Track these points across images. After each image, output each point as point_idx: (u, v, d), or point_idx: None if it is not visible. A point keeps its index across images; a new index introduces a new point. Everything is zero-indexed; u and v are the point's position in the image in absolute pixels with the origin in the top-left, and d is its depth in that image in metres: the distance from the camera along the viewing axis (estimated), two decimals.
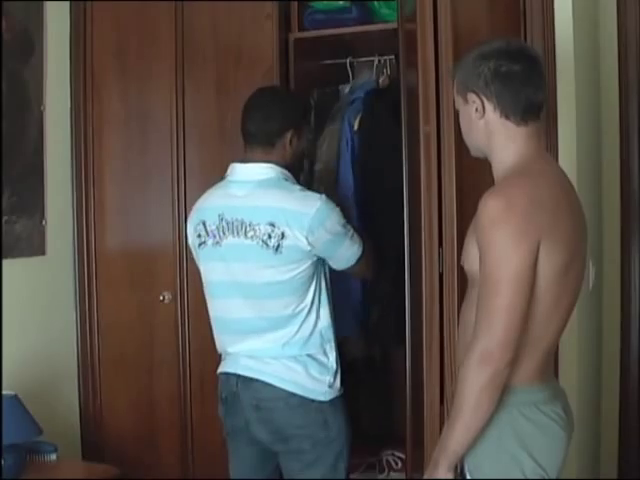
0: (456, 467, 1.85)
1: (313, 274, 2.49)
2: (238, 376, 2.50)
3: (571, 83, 2.77)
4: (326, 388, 2.47)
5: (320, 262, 2.51)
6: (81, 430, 3.34)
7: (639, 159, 3.27)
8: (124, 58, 3.26)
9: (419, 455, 2.40)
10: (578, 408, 2.60)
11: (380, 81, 3.15)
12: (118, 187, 3.31)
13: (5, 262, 2.93)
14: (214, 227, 2.52)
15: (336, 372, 2.51)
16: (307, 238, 2.41)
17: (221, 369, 2.59)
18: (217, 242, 2.51)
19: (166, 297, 3.20)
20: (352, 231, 2.53)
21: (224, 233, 2.50)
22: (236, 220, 2.47)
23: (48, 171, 3.19)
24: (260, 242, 2.43)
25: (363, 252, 2.55)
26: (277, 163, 2.51)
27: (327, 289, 2.55)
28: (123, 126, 3.29)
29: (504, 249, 1.75)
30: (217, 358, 2.98)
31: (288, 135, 2.54)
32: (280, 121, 2.54)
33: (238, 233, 2.47)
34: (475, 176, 2.19)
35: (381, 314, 2.95)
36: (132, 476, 3.03)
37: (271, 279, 2.45)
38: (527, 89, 1.87)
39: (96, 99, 3.29)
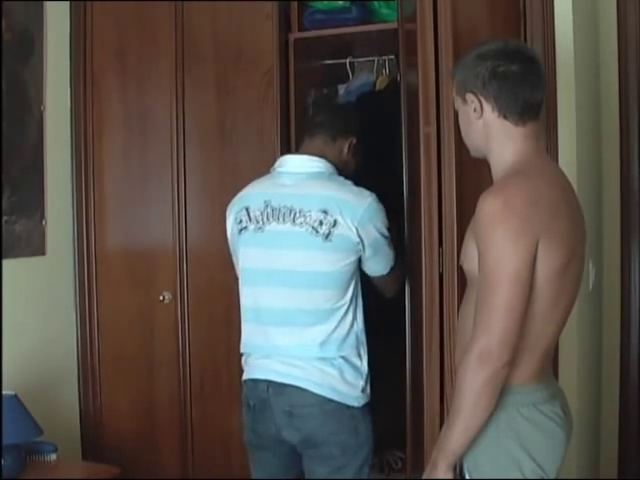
0: (455, 467, 1.85)
1: (355, 271, 2.46)
2: (269, 382, 2.43)
3: (571, 83, 2.77)
4: (359, 393, 2.43)
5: (358, 264, 2.48)
6: (81, 430, 3.34)
7: (639, 159, 3.27)
8: (124, 58, 3.26)
9: (419, 455, 2.40)
10: (578, 408, 2.60)
11: (377, 82, 3.15)
12: (118, 187, 3.31)
13: (5, 262, 2.93)
14: (258, 213, 2.48)
15: (368, 377, 2.47)
16: (357, 230, 2.40)
17: (248, 375, 2.51)
18: (259, 228, 2.47)
19: (166, 297, 3.20)
20: (390, 240, 2.53)
21: (268, 219, 2.46)
22: (284, 207, 2.44)
23: (48, 171, 3.19)
24: (310, 229, 2.40)
25: (394, 266, 2.55)
26: (330, 162, 2.51)
27: (361, 293, 2.51)
28: (123, 126, 3.29)
29: (502, 248, 1.75)
30: (216, 357, 3.00)
31: (349, 140, 2.58)
32: (348, 123, 2.61)
33: (284, 220, 2.44)
34: (475, 176, 2.19)
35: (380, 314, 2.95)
36: (132, 476, 3.03)
37: (316, 268, 2.40)
38: (525, 89, 1.87)
39: (96, 99, 3.29)
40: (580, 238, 1.91)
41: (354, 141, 2.61)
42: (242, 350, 2.56)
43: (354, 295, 2.46)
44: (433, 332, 2.34)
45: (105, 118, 3.29)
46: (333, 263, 2.40)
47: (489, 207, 1.77)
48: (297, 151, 2.62)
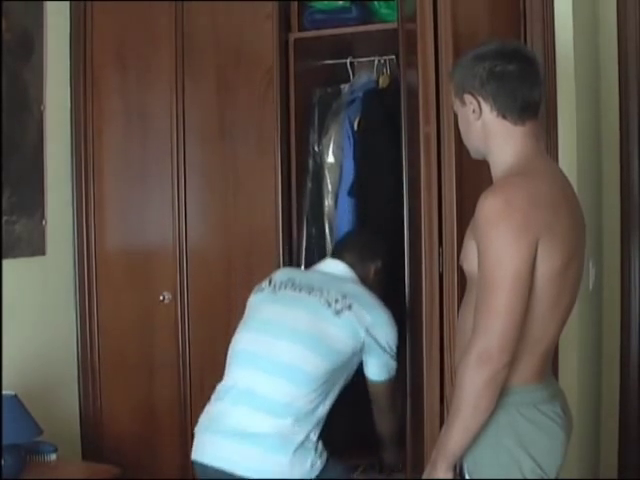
0: (455, 467, 1.85)
1: (347, 365, 2.51)
2: (216, 470, 2.40)
3: (571, 84, 2.77)
4: (309, 469, 2.39)
5: (353, 365, 2.55)
6: (81, 430, 3.34)
7: (639, 159, 3.27)
8: (124, 58, 3.26)
9: (419, 455, 2.40)
10: (578, 408, 2.60)
11: (380, 81, 3.16)
12: (118, 187, 3.31)
13: (5, 262, 2.93)
14: (279, 282, 2.60)
15: (321, 449, 2.44)
16: (368, 324, 2.49)
17: (195, 455, 2.48)
18: (274, 292, 2.58)
19: (166, 297, 3.20)
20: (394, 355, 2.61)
21: (286, 288, 2.57)
22: (305, 284, 2.56)
23: (48, 171, 3.19)
24: (324, 301, 2.50)
25: (391, 382, 2.63)
26: (359, 276, 2.67)
27: (339, 390, 2.53)
28: (123, 126, 3.29)
29: (502, 248, 1.75)
30: (217, 358, 2.99)
31: (375, 264, 2.73)
32: (375, 248, 2.77)
33: (301, 291, 2.54)
34: (475, 176, 2.19)
35: None
36: (132, 476, 3.03)
37: (318, 334, 2.45)
38: (523, 88, 1.87)
39: (96, 99, 3.29)
40: (580, 238, 1.91)
41: (379, 265, 2.74)
42: (215, 393, 2.55)
43: (336, 383, 2.49)
44: (433, 332, 2.34)
45: (105, 118, 3.29)
46: (333, 338, 2.45)
47: (489, 207, 1.77)
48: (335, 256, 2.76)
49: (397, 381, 2.63)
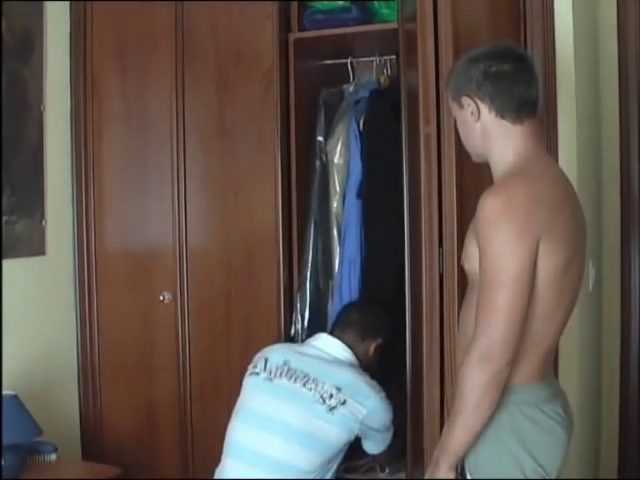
0: (457, 467, 1.85)
1: (341, 451, 2.57)
2: None
3: (571, 83, 2.77)
4: None
5: (346, 447, 2.59)
6: (81, 430, 3.34)
7: (639, 159, 3.27)
8: (124, 58, 3.26)
9: (419, 455, 2.40)
10: (578, 408, 2.60)
11: (381, 81, 3.16)
12: (118, 187, 3.31)
13: (5, 262, 2.92)
14: (274, 367, 2.60)
15: None
16: (363, 417, 2.52)
17: None
18: (269, 379, 2.59)
19: (166, 297, 3.20)
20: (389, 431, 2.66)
21: (281, 375, 2.58)
22: (300, 371, 2.57)
23: (48, 171, 3.19)
24: (318, 396, 2.52)
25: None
26: (357, 354, 2.69)
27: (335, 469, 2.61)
28: (123, 126, 3.28)
29: (504, 248, 1.75)
30: (217, 358, 3.00)
31: (376, 341, 2.75)
32: (378, 325, 2.79)
33: (296, 381, 2.55)
34: (475, 176, 2.19)
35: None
36: (132, 476, 3.03)
37: (311, 432, 2.49)
38: (519, 87, 1.88)
39: (96, 99, 3.29)
40: (581, 237, 1.91)
41: (380, 341, 2.77)
42: None
43: (332, 466, 2.57)
44: (433, 332, 2.34)
45: (105, 118, 3.29)
46: (327, 433, 2.50)
47: (490, 207, 1.77)
48: (331, 334, 2.76)
49: (395, 404, 2.66)
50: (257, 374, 2.63)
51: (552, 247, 1.77)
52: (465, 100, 1.91)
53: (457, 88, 1.94)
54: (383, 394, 2.60)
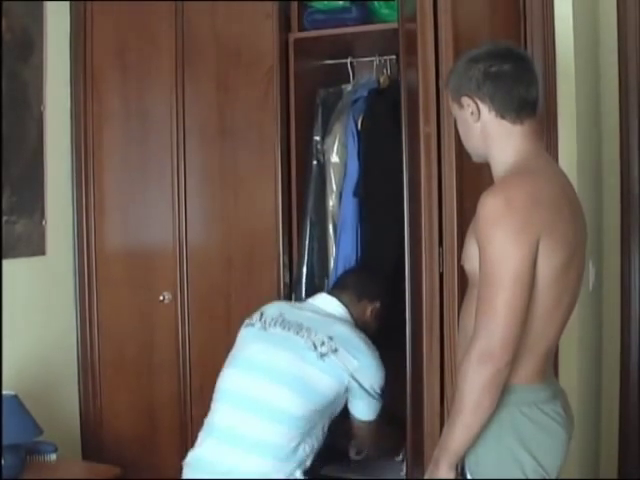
0: (457, 466, 1.85)
1: (331, 405, 2.55)
2: None
3: (571, 83, 2.77)
4: None
5: (337, 406, 2.59)
6: (81, 430, 3.34)
7: (639, 159, 3.27)
8: (124, 58, 3.26)
9: (419, 455, 2.40)
10: (578, 408, 2.60)
11: (381, 81, 3.16)
12: (118, 187, 3.31)
13: (5, 262, 2.93)
14: (270, 318, 2.62)
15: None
16: (353, 370, 2.52)
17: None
18: (264, 328, 2.60)
19: (166, 297, 3.20)
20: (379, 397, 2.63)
21: (275, 325, 2.59)
22: (295, 322, 2.58)
23: (48, 171, 3.19)
24: (310, 343, 2.52)
25: (375, 419, 2.65)
26: (353, 314, 2.71)
27: (323, 431, 2.58)
28: (123, 126, 3.29)
29: (503, 248, 1.75)
30: (217, 358, 2.99)
31: (373, 304, 2.77)
32: (375, 287, 2.80)
33: (289, 329, 2.56)
34: (475, 176, 2.19)
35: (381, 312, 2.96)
36: (132, 476, 3.03)
37: (303, 374, 2.49)
38: (519, 87, 1.88)
39: (96, 99, 3.29)
40: (581, 237, 1.91)
41: (377, 305, 2.78)
42: (203, 429, 2.61)
43: (320, 421, 2.53)
44: (433, 332, 2.34)
45: (105, 118, 3.29)
46: (316, 381, 2.48)
47: (490, 206, 1.77)
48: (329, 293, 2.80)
49: (381, 415, 2.67)
50: (252, 325, 2.65)
51: (552, 247, 1.77)
52: (465, 100, 1.91)
53: (457, 88, 1.94)
54: (377, 353, 2.60)
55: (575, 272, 1.87)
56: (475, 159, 2.00)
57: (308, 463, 2.53)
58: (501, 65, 1.87)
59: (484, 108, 1.89)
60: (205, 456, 2.53)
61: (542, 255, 1.76)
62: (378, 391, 2.62)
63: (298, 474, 2.48)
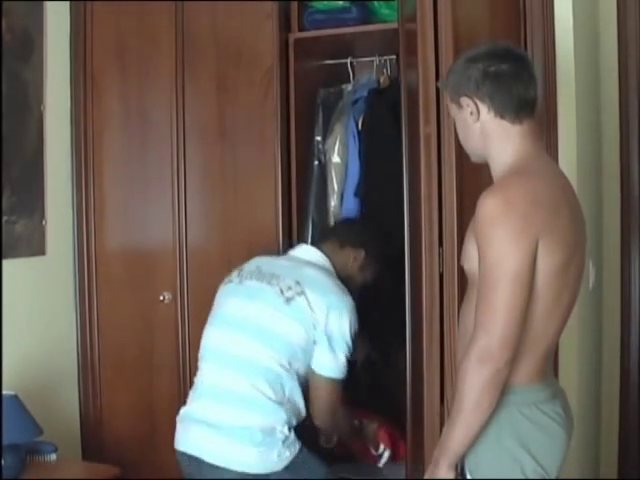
0: (456, 466, 1.85)
1: (306, 354, 2.49)
2: (189, 457, 2.48)
3: (571, 83, 2.77)
4: (276, 460, 2.41)
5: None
6: (81, 430, 3.34)
7: (639, 159, 3.27)
8: (124, 58, 3.26)
9: (419, 455, 2.40)
10: (578, 408, 2.60)
11: (381, 81, 3.16)
12: (118, 187, 3.31)
13: (5, 262, 2.93)
14: (247, 273, 2.60)
15: (289, 439, 2.44)
16: (320, 310, 2.45)
17: (175, 444, 2.56)
18: (240, 282, 2.58)
19: (166, 297, 3.20)
20: (351, 351, 2.52)
21: (251, 278, 2.57)
22: (269, 273, 2.56)
23: (48, 171, 3.19)
24: (277, 289, 2.49)
25: (339, 381, 2.51)
26: (335, 264, 2.64)
27: (303, 380, 2.52)
28: (123, 126, 3.29)
29: (503, 248, 1.75)
30: None
31: (356, 253, 2.69)
32: (358, 236, 2.73)
33: (263, 280, 2.54)
34: (475, 176, 2.19)
35: (381, 312, 2.96)
36: (132, 476, 3.03)
37: (273, 323, 2.47)
38: (518, 86, 1.88)
39: (96, 99, 3.29)
40: (580, 237, 1.91)
41: (362, 255, 2.70)
42: (192, 388, 2.62)
43: (299, 371, 2.49)
44: (433, 332, 2.34)
45: (105, 118, 3.29)
46: (285, 329, 2.46)
47: (489, 207, 1.77)
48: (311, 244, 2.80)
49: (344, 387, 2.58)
50: (231, 281, 2.63)
51: (551, 247, 1.77)
52: (464, 100, 1.91)
53: (456, 88, 1.94)
54: (349, 299, 2.51)
55: (574, 272, 1.87)
56: (473, 159, 2.00)
57: (291, 416, 2.47)
58: (500, 65, 1.87)
59: (483, 108, 1.90)
60: (194, 412, 2.52)
61: (541, 255, 1.76)
62: (348, 342, 2.49)
63: (280, 427, 2.42)
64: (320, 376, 2.51)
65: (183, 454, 2.51)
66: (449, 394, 2.26)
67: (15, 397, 2.68)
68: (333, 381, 2.51)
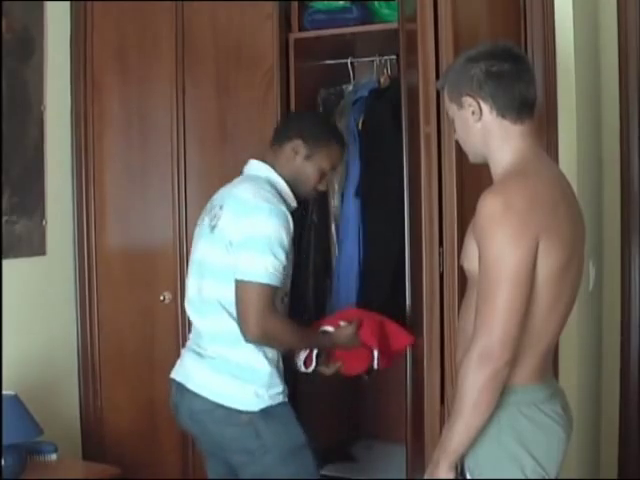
0: (456, 466, 1.85)
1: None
2: (177, 383, 2.48)
3: (571, 83, 2.77)
4: (252, 397, 2.34)
5: None
6: (81, 430, 3.34)
7: (639, 159, 3.27)
8: (124, 58, 3.26)
9: (420, 455, 2.40)
10: (578, 408, 2.60)
11: (381, 81, 3.16)
12: (118, 187, 3.31)
13: (5, 262, 2.93)
14: (205, 211, 2.54)
15: (270, 380, 2.36)
16: (237, 220, 2.32)
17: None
18: (201, 223, 2.53)
19: (166, 297, 3.20)
20: (279, 257, 2.28)
21: (204, 216, 2.51)
22: (210, 206, 2.50)
23: (48, 171, 3.19)
24: (208, 221, 2.44)
25: (270, 287, 2.27)
26: (278, 170, 2.48)
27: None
28: (123, 126, 3.29)
29: (503, 248, 1.75)
30: None
31: (293, 143, 2.48)
32: (292, 125, 2.55)
33: (206, 215, 2.49)
34: (475, 176, 2.19)
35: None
36: (132, 476, 3.03)
37: (206, 258, 2.41)
38: (520, 86, 1.88)
39: (96, 99, 3.29)
40: (580, 237, 1.91)
41: (300, 144, 2.48)
42: None
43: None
44: (433, 332, 2.34)
45: (105, 118, 3.29)
46: (217, 255, 2.37)
47: (489, 207, 1.77)
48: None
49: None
50: (198, 225, 2.55)
51: (550, 247, 1.77)
52: (467, 100, 1.91)
53: (457, 88, 1.93)
54: (275, 207, 2.31)
55: (574, 272, 1.87)
56: (472, 159, 2.00)
57: (273, 357, 2.38)
58: (502, 64, 1.87)
59: (486, 107, 1.89)
60: (183, 362, 2.51)
61: (541, 256, 1.76)
62: (273, 246, 2.27)
63: (259, 365, 2.34)
64: (240, 282, 2.28)
65: (173, 380, 2.50)
66: (449, 394, 2.26)
67: (15, 397, 2.68)
68: (256, 286, 2.25)
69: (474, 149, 1.96)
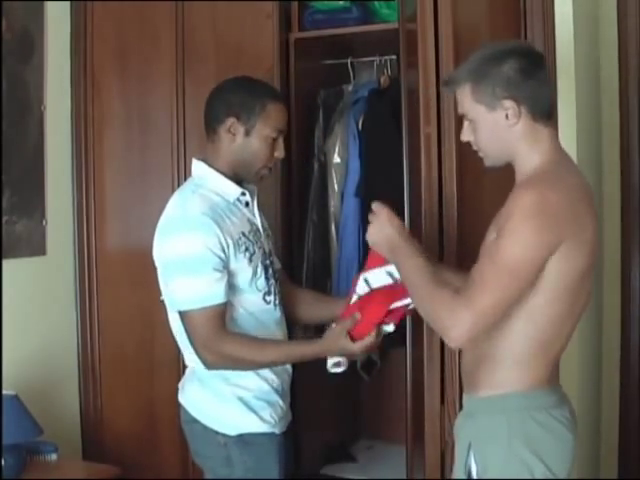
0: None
1: None
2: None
3: (571, 83, 2.77)
4: (230, 421, 2.18)
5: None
6: (81, 430, 3.35)
7: (639, 159, 3.27)
8: (124, 58, 3.26)
9: (419, 455, 2.40)
10: (578, 409, 2.58)
11: (381, 81, 3.16)
12: (118, 187, 3.31)
13: (5, 262, 2.93)
14: None
15: (257, 405, 2.18)
16: (156, 249, 2.20)
17: None
18: None
19: None
20: (207, 273, 2.06)
21: None
22: None
23: (48, 171, 3.19)
24: None
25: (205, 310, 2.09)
26: (222, 159, 2.24)
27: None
28: (123, 126, 3.29)
29: (521, 241, 1.72)
30: None
31: (228, 122, 2.19)
32: (221, 104, 2.22)
33: None
34: (475, 176, 2.19)
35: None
36: (132, 476, 3.03)
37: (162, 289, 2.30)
38: (549, 87, 1.86)
39: (96, 99, 3.29)
40: (598, 243, 1.89)
41: (234, 122, 2.19)
42: None
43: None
44: (433, 332, 2.34)
45: (105, 118, 3.29)
46: (161, 284, 2.28)
47: (527, 201, 1.73)
48: None
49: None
50: None
51: (575, 250, 1.75)
52: (507, 103, 1.81)
53: (488, 89, 1.83)
54: (189, 221, 2.09)
55: (590, 278, 1.86)
56: (491, 163, 1.92)
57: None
58: (533, 65, 1.82)
59: (524, 110, 1.82)
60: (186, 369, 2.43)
61: (564, 258, 1.74)
62: (178, 264, 2.08)
63: (218, 383, 2.20)
64: (179, 312, 2.16)
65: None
66: (449, 394, 2.26)
67: (15, 397, 2.68)
68: (194, 313, 2.09)
69: (499, 153, 1.89)
